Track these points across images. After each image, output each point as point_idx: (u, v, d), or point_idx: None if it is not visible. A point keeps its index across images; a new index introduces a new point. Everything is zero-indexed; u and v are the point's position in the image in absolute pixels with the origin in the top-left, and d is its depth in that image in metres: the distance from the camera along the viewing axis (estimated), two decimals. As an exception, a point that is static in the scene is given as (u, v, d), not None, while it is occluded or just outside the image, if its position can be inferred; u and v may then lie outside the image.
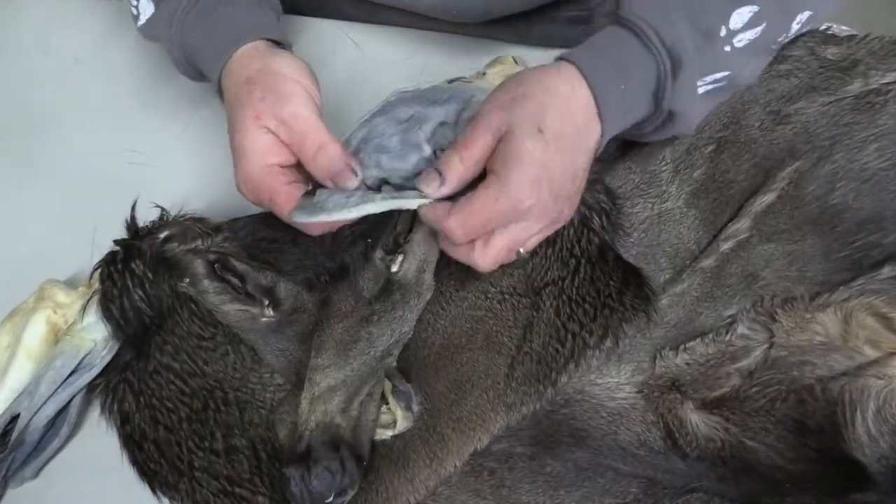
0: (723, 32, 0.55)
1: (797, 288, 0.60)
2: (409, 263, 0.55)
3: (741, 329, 0.59)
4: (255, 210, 0.59)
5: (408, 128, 0.53)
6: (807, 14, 0.58)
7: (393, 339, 0.54)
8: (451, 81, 0.58)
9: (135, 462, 0.56)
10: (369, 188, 0.52)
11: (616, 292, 0.57)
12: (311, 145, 0.51)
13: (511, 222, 0.51)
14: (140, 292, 0.56)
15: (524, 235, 0.52)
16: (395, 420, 0.54)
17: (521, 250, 0.53)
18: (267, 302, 0.57)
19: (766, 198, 0.62)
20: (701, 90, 0.57)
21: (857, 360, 0.58)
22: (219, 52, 0.57)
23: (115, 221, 0.59)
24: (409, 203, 0.50)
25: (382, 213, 0.51)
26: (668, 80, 0.54)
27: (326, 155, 0.51)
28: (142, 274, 0.56)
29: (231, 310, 0.57)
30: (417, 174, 0.51)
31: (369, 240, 0.57)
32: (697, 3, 0.54)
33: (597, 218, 0.60)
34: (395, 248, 0.56)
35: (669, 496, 0.55)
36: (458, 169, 0.50)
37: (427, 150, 0.53)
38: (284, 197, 0.53)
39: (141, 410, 0.57)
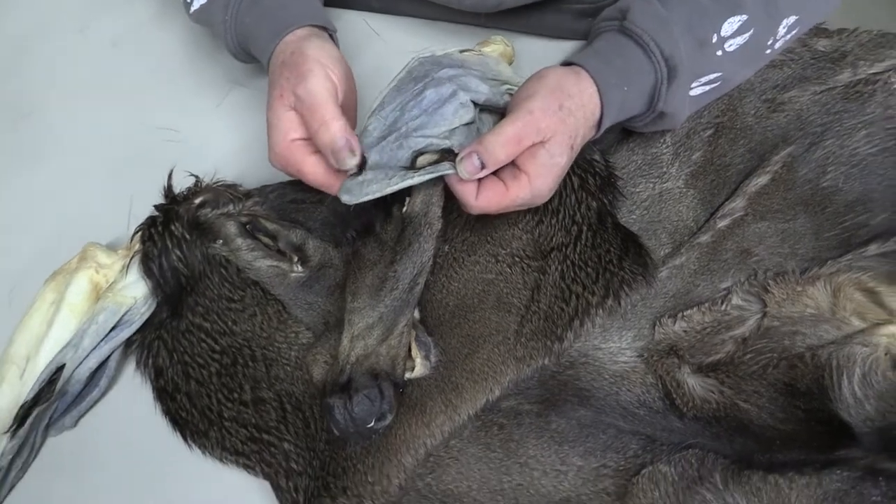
0: (714, 39, 0.59)
1: (789, 263, 0.63)
2: (415, 198, 0.58)
3: (736, 300, 0.62)
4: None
5: (445, 92, 0.55)
6: (793, 18, 0.61)
7: (416, 271, 0.56)
8: (461, 52, 0.61)
9: (167, 412, 0.59)
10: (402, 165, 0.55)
11: (616, 258, 0.60)
12: (316, 120, 0.53)
13: (521, 206, 0.56)
14: (178, 252, 0.59)
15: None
16: (415, 365, 0.57)
17: None
18: (296, 258, 0.60)
19: (761, 180, 0.65)
20: (696, 91, 0.61)
21: (845, 331, 0.60)
22: (268, 39, 0.60)
23: (152, 193, 0.62)
24: (444, 172, 0.53)
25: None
26: (663, 85, 0.59)
27: (329, 131, 0.53)
28: (180, 235, 0.59)
29: (263, 266, 0.60)
30: (452, 132, 0.55)
31: (388, 198, 0.59)
32: (695, 16, 0.58)
33: (591, 178, 0.63)
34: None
35: (667, 452, 0.58)
36: (500, 160, 0.53)
37: (468, 116, 0.56)
38: (310, 167, 0.55)
39: (174, 366, 0.60)
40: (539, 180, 0.54)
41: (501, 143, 0.53)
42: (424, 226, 0.56)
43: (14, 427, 0.54)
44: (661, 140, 0.67)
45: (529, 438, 0.58)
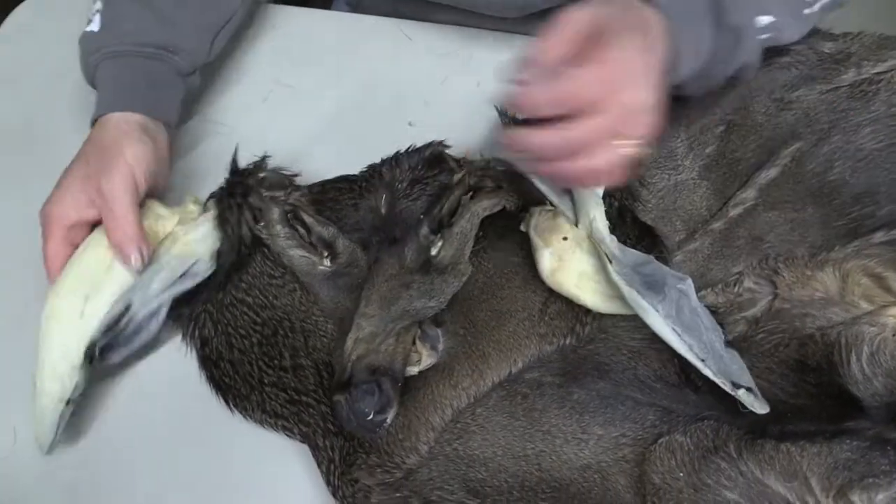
0: None
1: (799, 249, 0.65)
2: (446, 251, 0.61)
3: (747, 283, 0.65)
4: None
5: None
6: None
7: (428, 305, 0.59)
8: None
9: (211, 379, 0.62)
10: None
11: (631, 246, 0.63)
12: (111, 216, 0.58)
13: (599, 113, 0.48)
14: (249, 223, 0.63)
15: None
16: (421, 358, 0.60)
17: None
18: (326, 253, 0.64)
19: (771, 172, 0.68)
20: (761, 34, 0.61)
21: (853, 313, 0.62)
22: (105, 105, 0.65)
23: (201, 180, 0.67)
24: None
25: (435, 196, 0.61)
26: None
27: (120, 229, 0.58)
28: (256, 208, 0.63)
29: (295, 255, 0.64)
30: None
31: (421, 216, 0.64)
32: None
33: (616, 190, 0.67)
34: (438, 229, 0.63)
35: (683, 423, 0.59)
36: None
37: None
38: (52, 248, 0.60)
39: (218, 336, 0.63)
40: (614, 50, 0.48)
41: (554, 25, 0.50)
42: (450, 275, 0.60)
43: (86, 361, 0.57)
44: (676, 135, 0.70)
45: (552, 408, 0.60)
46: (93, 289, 0.59)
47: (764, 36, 0.62)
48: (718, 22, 0.58)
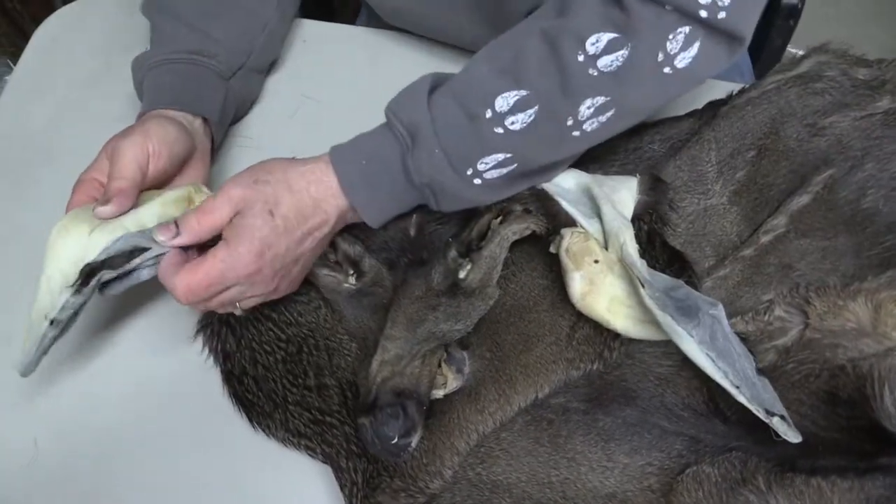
0: (488, 114, 0.56)
1: (830, 278, 0.64)
2: (475, 275, 0.60)
3: (778, 311, 0.63)
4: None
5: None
6: (601, 99, 0.56)
7: (455, 328, 0.59)
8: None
9: (234, 394, 0.62)
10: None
11: (661, 271, 0.62)
12: (112, 172, 0.58)
13: (233, 285, 0.56)
14: None
15: (239, 297, 0.58)
16: (446, 381, 0.59)
17: (239, 305, 0.59)
18: (351, 271, 0.63)
19: (802, 199, 0.67)
20: (490, 174, 0.58)
21: (886, 345, 0.61)
22: (148, 103, 0.67)
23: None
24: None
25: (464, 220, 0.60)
26: (408, 153, 0.58)
27: (112, 185, 0.58)
28: None
29: (321, 272, 0.64)
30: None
31: (450, 238, 0.63)
32: (464, 88, 0.58)
33: (645, 213, 0.66)
34: (466, 252, 0.62)
35: (710, 453, 0.58)
36: (194, 227, 0.56)
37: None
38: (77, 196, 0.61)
39: (241, 350, 0.62)
40: (235, 241, 0.55)
41: (196, 213, 0.56)
42: (478, 299, 0.59)
43: (78, 283, 0.55)
44: (707, 159, 0.69)
45: (577, 434, 0.59)
46: (104, 224, 0.57)
47: (493, 174, 0.59)
48: (409, 180, 0.59)
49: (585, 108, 0.57)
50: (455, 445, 0.56)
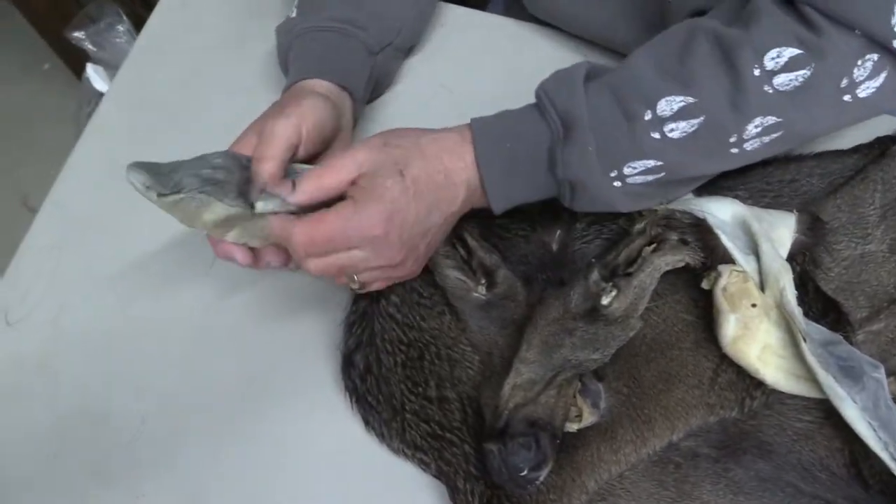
0: (648, 115, 0.52)
1: None
2: (620, 303, 0.56)
3: (936, 376, 0.58)
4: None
5: None
6: (771, 119, 0.52)
7: (591, 357, 0.55)
8: None
9: (354, 391, 0.59)
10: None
11: (814, 320, 0.57)
12: (261, 151, 0.54)
13: (353, 248, 0.52)
14: None
15: (361, 265, 0.54)
16: (581, 414, 0.55)
17: (356, 277, 0.55)
18: (484, 280, 0.60)
19: (972, 256, 0.61)
20: (634, 178, 0.54)
21: None
22: (296, 74, 0.64)
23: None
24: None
25: (611, 241, 0.56)
26: (558, 145, 0.53)
27: (260, 166, 0.54)
28: None
29: (451, 275, 0.60)
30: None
31: (592, 259, 0.59)
32: (626, 84, 0.53)
33: (799, 254, 0.61)
34: (610, 277, 0.57)
35: (847, 522, 0.55)
36: (313, 183, 0.52)
37: None
38: None
39: (371, 346, 0.60)
40: (362, 202, 0.51)
41: (318, 170, 0.53)
42: (619, 327, 0.55)
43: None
44: (871, 201, 0.63)
45: (705, 483, 0.56)
46: None
47: (637, 180, 0.54)
48: (552, 172, 0.55)
49: (753, 127, 0.52)
50: (585, 484, 0.52)
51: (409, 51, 0.76)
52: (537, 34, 0.75)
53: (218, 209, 0.52)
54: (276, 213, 0.53)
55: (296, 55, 0.66)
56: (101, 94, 1.21)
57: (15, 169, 1.78)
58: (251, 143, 0.56)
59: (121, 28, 1.25)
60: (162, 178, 0.52)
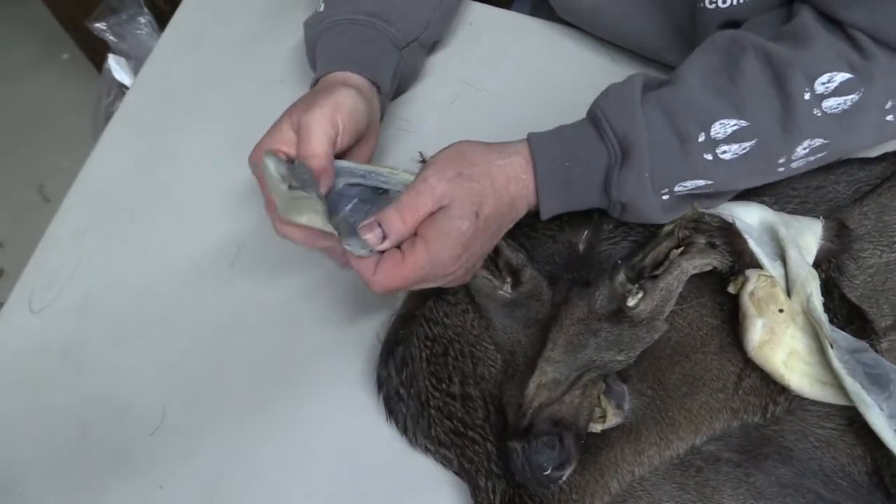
0: (701, 138, 0.53)
1: None
2: (646, 304, 0.56)
3: (959, 386, 0.58)
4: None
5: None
6: (819, 141, 0.53)
7: (616, 358, 0.55)
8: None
9: (386, 379, 0.59)
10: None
11: (839, 327, 0.57)
12: (304, 148, 0.55)
13: (425, 282, 0.54)
14: None
15: (426, 286, 0.55)
16: (605, 415, 0.55)
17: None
18: (509, 279, 0.60)
19: None
20: (682, 194, 0.55)
21: None
22: (323, 67, 0.64)
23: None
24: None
25: (638, 243, 0.56)
26: (615, 169, 0.54)
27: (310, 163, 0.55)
28: None
29: (478, 273, 0.60)
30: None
31: (619, 261, 0.59)
32: (680, 107, 0.53)
33: (825, 261, 0.60)
34: (637, 279, 0.57)
35: (868, 528, 0.54)
36: (401, 229, 0.52)
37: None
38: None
39: (409, 340, 0.60)
40: (437, 245, 0.51)
41: (398, 209, 0.52)
42: (644, 329, 0.55)
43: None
44: (896, 208, 0.63)
45: (726, 487, 0.55)
46: None
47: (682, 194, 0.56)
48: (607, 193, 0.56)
49: (801, 149, 0.53)
50: (608, 484, 0.52)
51: (433, 47, 0.76)
52: (564, 35, 0.75)
53: (318, 222, 0.52)
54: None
55: (323, 48, 0.66)
56: (121, 85, 1.21)
57: (33, 158, 1.79)
58: (286, 136, 0.56)
59: (142, 20, 1.25)
60: (292, 171, 0.54)
